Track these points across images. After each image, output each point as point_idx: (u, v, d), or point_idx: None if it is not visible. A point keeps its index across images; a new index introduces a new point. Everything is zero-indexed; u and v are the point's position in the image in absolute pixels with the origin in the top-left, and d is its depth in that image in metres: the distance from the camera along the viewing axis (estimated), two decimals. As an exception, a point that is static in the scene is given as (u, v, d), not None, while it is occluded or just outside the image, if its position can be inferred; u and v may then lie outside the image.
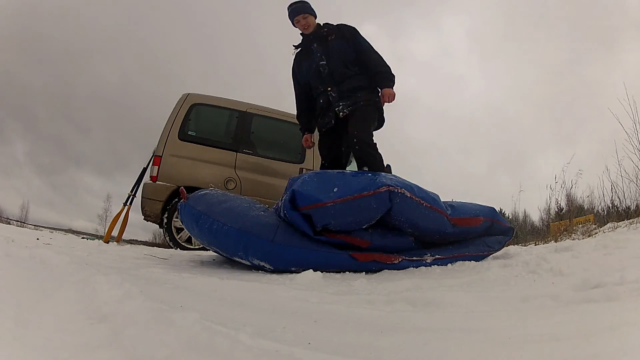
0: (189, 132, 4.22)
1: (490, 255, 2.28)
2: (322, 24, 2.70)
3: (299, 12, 2.64)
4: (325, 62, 2.61)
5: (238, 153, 4.17)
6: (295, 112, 2.98)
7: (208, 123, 4.47)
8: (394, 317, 1.05)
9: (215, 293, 1.34)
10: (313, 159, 4.09)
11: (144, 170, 4.16)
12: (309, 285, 1.55)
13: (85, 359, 0.65)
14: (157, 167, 4.01)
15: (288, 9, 2.69)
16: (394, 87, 2.62)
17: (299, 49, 2.78)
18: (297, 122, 3.37)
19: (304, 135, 2.97)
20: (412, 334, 0.88)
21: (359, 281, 1.59)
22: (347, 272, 1.88)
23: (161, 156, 4.03)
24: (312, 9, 2.70)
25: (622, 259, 1.62)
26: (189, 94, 4.30)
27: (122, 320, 0.78)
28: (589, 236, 3.13)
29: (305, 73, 2.73)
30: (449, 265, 1.99)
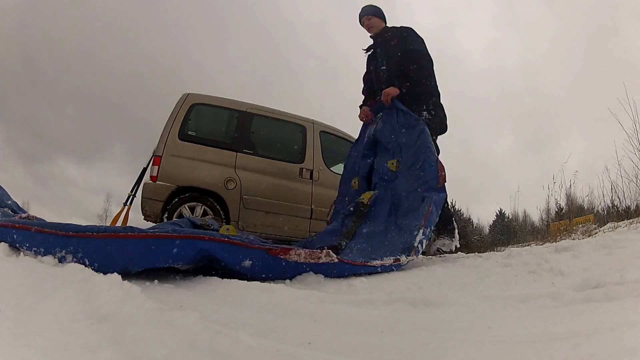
0: (189, 132, 4.21)
1: (491, 255, 2.28)
2: (388, 27, 2.83)
3: (365, 13, 2.83)
4: (385, 68, 2.75)
5: (238, 153, 4.17)
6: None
7: (208, 123, 4.47)
8: (394, 317, 1.05)
9: (215, 293, 1.34)
10: (313, 159, 4.09)
11: (144, 170, 4.17)
12: (309, 285, 1.55)
13: (85, 359, 0.65)
14: (157, 167, 4.01)
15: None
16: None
17: (370, 51, 2.94)
18: (296, 122, 3.38)
19: (362, 108, 2.96)
20: (412, 334, 0.88)
21: (359, 281, 1.59)
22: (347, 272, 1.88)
23: (161, 156, 4.03)
24: (378, 12, 2.85)
25: (622, 259, 1.62)
26: (189, 93, 4.30)
27: (122, 320, 0.78)
28: (589, 236, 3.13)
29: (371, 75, 2.93)
30: (450, 265, 1.99)
